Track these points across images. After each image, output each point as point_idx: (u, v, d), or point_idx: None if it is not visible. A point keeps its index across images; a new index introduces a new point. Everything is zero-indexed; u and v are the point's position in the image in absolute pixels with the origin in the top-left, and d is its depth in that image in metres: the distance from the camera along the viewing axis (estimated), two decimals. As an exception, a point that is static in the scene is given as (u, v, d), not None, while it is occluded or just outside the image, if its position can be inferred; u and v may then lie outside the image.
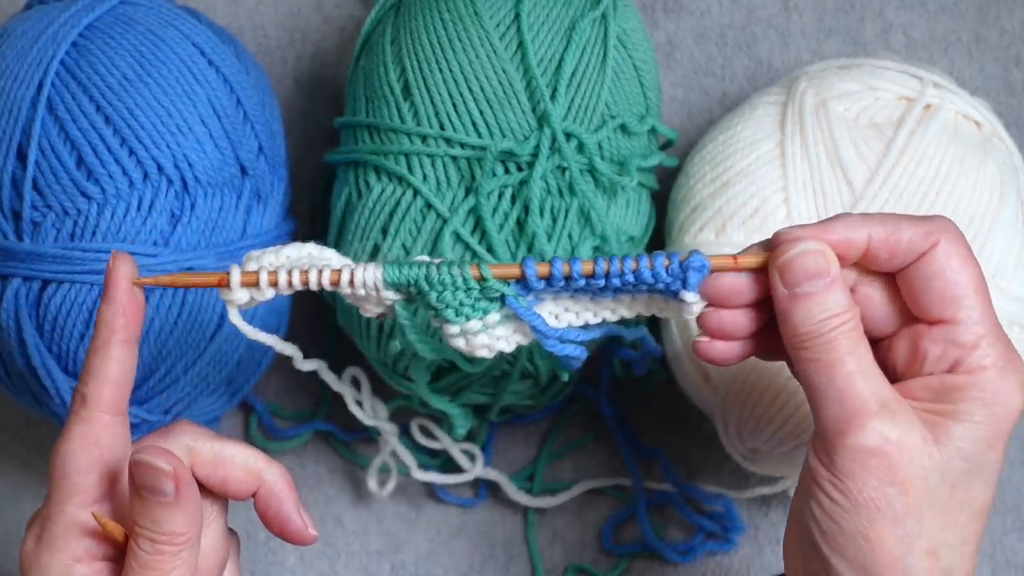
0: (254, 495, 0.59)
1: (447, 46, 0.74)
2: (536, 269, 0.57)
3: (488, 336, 0.58)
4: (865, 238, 0.56)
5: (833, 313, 0.55)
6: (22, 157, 0.71)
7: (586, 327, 0.60)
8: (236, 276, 0.57)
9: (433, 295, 0.57)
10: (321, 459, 0.86)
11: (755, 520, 0.85)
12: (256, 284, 0.57)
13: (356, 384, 0.82)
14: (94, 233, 0.72)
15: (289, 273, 0.57)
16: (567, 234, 0.74)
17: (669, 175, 0.83)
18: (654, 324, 0.83)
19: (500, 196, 0.74)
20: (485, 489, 0.85)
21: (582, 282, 0.57)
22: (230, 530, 0.61)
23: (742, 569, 0.84)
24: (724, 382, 0.75)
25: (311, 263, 0.58)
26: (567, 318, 0.60)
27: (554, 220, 0.74)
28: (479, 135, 0.74)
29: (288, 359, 0.85)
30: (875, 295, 0.58)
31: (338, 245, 0.78)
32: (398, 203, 0.75)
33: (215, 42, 0.76)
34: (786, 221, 0.75)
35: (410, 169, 0.75)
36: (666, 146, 0.83)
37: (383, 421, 0.79)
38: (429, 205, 0.74)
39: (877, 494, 0.54)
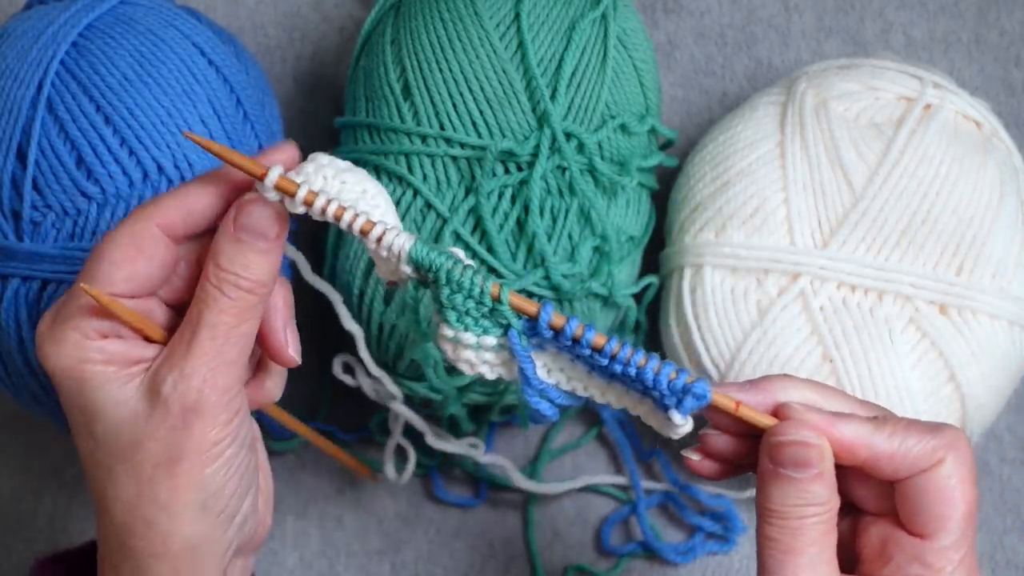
0: None
1: (447, 46, 0.74)
2: (551, 317, 0.55)
3: (475, 355, 0.57)
4: (868, 450, 0.55)
5: (808, 503, 0.54)
6: (22, 157, 0.71)
7: (570, 394, 0.58)
8: (273, 176, 0.55)
9: (445, 291, 0.55)
10: (321, 459, 0.86)
11: (755, 520, 0.85)
12: (292, 195, 0.55)
13: (350, 371, 0.81)
14: (94, 233, 0.71)
15: (327, 202, 0.55)
16: (567, 234, 0.74)
17: (669, 175, 0.83)
18: (654, 320, 0.83)
19: (500, 196, 0.74)
20: (485, 489, 0.85)
21: (587, 351, 0.55)
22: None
23: (742, 569, 0.84)
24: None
25: (359, 200, 0.56)
26: (557, 377, 0.58)
27: (554, 220, 0.74)
28: (479, 135, 0.74)
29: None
30: (867, 480, 0.57)
31: (338, 245, 0.78)
32: (398, 203, 0.75)
33: (215, 42, 0.76)
34: (786, 221, 0.75)
35: (410, 169, 0.75)
36: (666, 146, 0.83)
37: (389, 382, 0.78)
38: (429, 205, 0.74)
39: None
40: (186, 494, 0.55)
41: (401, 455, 0.83)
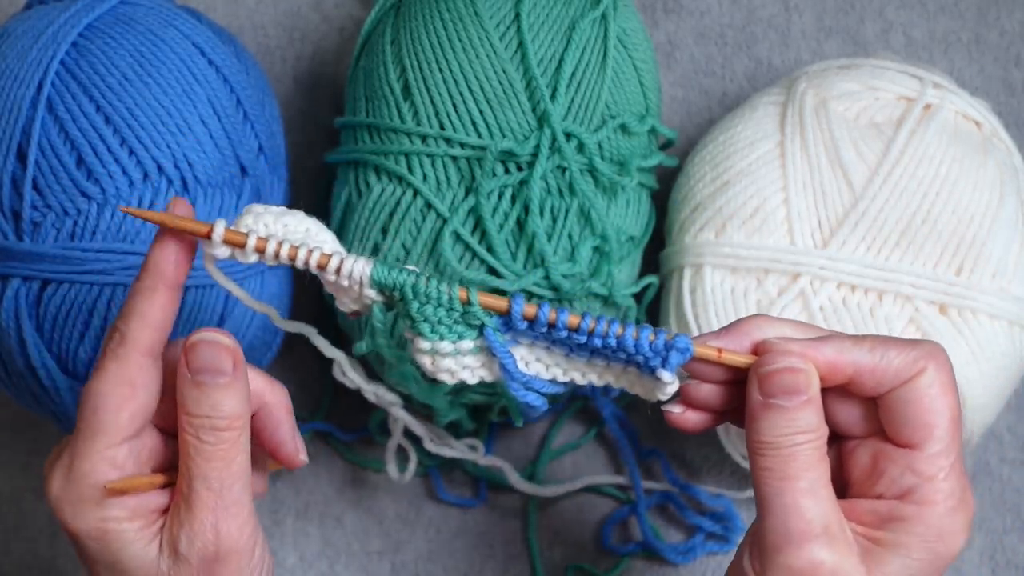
0: (253, 415, 0.59)
1: (447, 46, 0.74)
2: (523, 308, 0.55)
3: (455, 362, 0.57)
4: (852, 366, 0.56)
5: (800, 430, 0.55)
6: (22, 157, 0.71)
7: (552, 381, 0.59)
8: (219, 231, 0.55)
9: (415, 305, 0.55)
10: (321, 459, 0.86)
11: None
12: (242, 246, 0.55)
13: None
14: (94, 233, 0.71)
15: (279, 244, 0.55)
16: (567, 234, 0.74)
17: (669, 175, 0.83)
18: (654, 320, 0.83)
19: (500, 196, 0.74)
20: (485, 489, 0.85)
21: (564, 333, 0.55)
22: None
23: (742, 569, 0.84)
24: (724, 382, 0.75)
25: (306, 239, 0.56)
26: (536, 368, 0.58)
27: (554, 220, 0.74)
28: (479, 135, 0.74)
29: (289, 361, 0.85)
30: (851, 401, 0.58)
31: (338, 245, 0.78)
32: (398, 203, 0.75)
33: (215, 42, 0.76)
34: (786, 221, 0.75)
35: (410, 169, 0.75)
36: (666, 146, 0.83)
37: (383, 391, 0.77)
38: (429, 205, 0.74)
39: None
40: None
41: (402, 455, 0.83)
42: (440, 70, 0.74)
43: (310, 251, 0.56)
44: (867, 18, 0.89)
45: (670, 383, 0.56)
